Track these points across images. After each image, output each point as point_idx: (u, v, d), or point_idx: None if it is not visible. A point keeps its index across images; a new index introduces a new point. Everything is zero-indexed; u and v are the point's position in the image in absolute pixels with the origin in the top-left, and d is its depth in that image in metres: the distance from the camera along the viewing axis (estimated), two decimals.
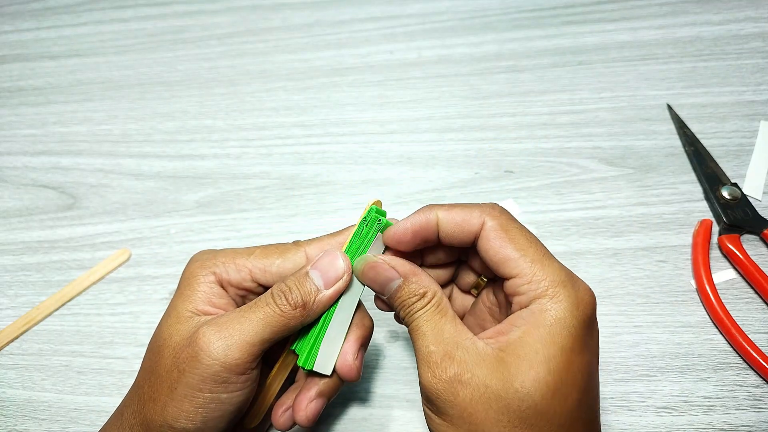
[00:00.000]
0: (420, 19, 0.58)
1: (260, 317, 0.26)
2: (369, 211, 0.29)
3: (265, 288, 0.30)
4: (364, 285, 0.29)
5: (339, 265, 0.28)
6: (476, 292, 0.32)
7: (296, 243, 0.30)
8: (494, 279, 0.30)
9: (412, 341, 0.26)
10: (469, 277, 0.32)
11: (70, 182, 0.49)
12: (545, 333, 0.24)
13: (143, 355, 0.29)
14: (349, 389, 0.37)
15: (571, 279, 0.26)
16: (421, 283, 0.27)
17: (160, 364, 0.27)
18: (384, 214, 0.29)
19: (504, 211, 0.27)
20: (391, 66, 0.54)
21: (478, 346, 0.25)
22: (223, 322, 0.26)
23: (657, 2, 0.56)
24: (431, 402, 0.25)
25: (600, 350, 0.36)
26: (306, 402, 0.29)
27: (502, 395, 0.23)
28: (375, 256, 0.28)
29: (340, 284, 0.28)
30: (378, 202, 0.29)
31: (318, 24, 0.59)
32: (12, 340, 0.41)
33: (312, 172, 0.48)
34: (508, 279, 0.26)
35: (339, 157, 0.48)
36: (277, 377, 0.30)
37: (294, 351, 0.29)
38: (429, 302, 0.26)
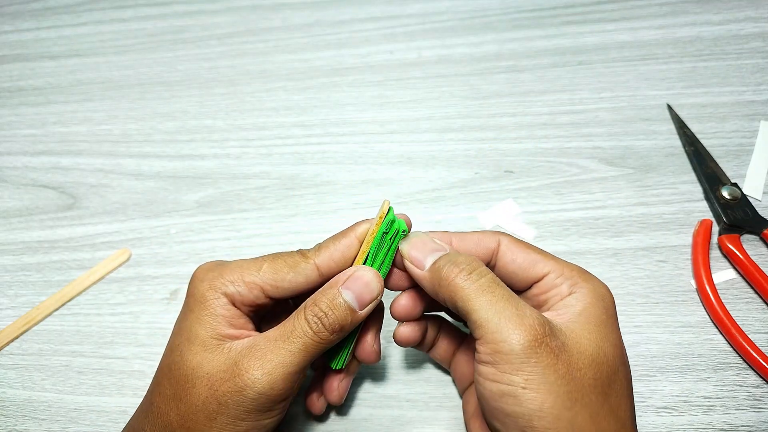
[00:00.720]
0: (420, 19, 0.58)
1: (299, 347, 0.26)
2: (387, 220, 0.28)
3: (278, 300, 0.29)
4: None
5: (374, 288, 0.28)
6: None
7: (302, 253, 0.29)
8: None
9: (472, 309, 0.25)
10: (444, 348, 0.34)
11: (70, 182, 0.49)
12: (601, 306, 0.27)
13: (157, 378, 0.29)
14: (350, 389, 0.37)
15: (591, 274, 0.29)
16: (473, 258, 0.27)
17: (191, 395, 0.26)
18: (393, 214, 0.29)
19: (510, 235, 0.30)
20: (391, 66, 0.54)
21: (556, 320, 0.26)
22: (263, 356, 0.26)
23: (657, 2, 0.56)
24: (522, 366, 0.24)
25: None
26: (336, 383, 0.32)
27: (595, 360, 0.25)
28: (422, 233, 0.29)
29: (373, 305, 0.28)
30: (388, 204, 0.29)
31: (318, 24, 0.59)
32: (12, 340, 0.41)
33: (312, 172, 0.48)
34: (539, 280, 0.28)
35: (339, 157, 0.48)
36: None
37: None
38: (489, 273, 0.27)
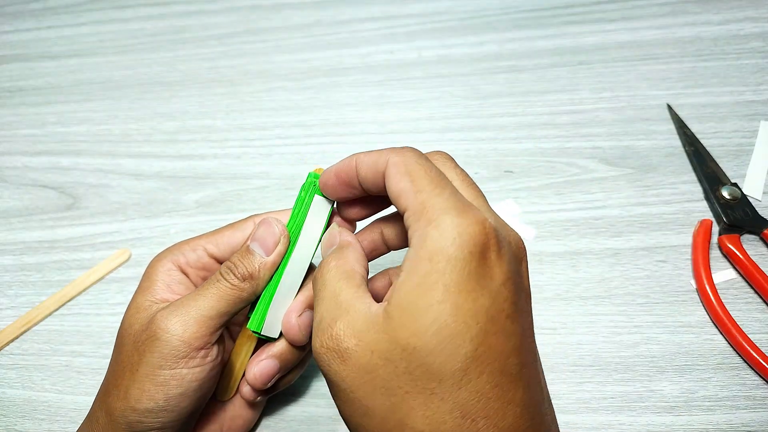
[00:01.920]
0: (420, 19, 0.58)
1: (213, 293, 0.27)
2: (307, 178, 0.29)
3: (221, 261, 0.31)
4: (314, 251, 0.30)
5: (274, 230, 0.28)
6: None
7: (250, 216, 0.31)
8: None
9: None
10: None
11: (70, 182, 0.49)
12: (426, 271, 0.20)
13: None
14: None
15: (465, 206, 0.21)
16: (335, 239, 0.27)
17: (121, 353, 0.28)
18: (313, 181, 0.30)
19: (416, 152, 0.24)
20: (391, 66, 0.54)
21: (372, 309, 0.22)
22: (179, 303, 0.27)
23: (657, 2, 0.56)
24: (324, 373, 0.23)
25: (600, 350, 0.36)
26: (255, 363, 0.30)
27: (389, 357, 0.20)
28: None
29: (279, 248, 0.28)
30: (319, 170, 0.30)
31: (318, 24, 0.59)
32: (12, 340, 0.41)
33: None
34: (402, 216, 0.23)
35: (339, 157, 0.47)
36: (242, 348, 0.31)
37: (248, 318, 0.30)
38: (335, 260, 0.25)
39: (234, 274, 0.28)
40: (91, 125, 0.53)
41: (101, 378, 0.37)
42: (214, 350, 0.28)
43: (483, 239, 0.21)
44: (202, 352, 0.27)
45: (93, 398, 0.37)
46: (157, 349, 0.26)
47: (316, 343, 0.23)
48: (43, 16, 0.64)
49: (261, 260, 0.28)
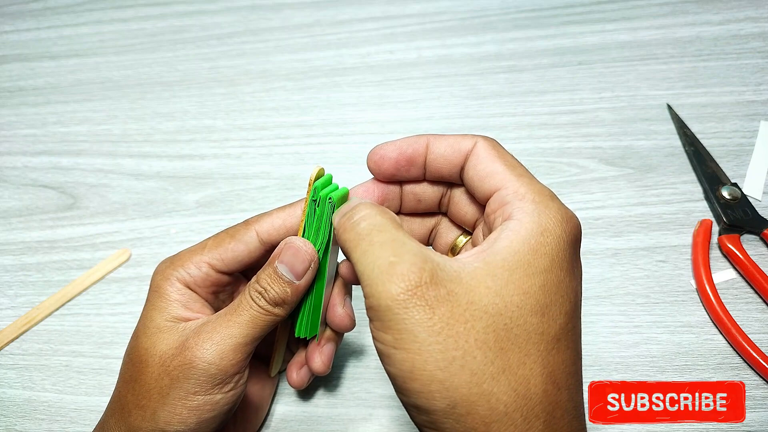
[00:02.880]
0: (420, 19, 0.58)
1: (247, 319, 0.27)
2: (314, 190, 0.28)
3: (228, 274, 0.30)
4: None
5: (304, 257, 0.27)
6: (453, 255, 0.29)
7: (245, 222, 0.30)
8: (472, 233, 0.28)
9: (355, 258, 0.23)
10: (448, 237, 0.30)
11: (70, 182, 0.49)
12: (536, 243, 0.21)
13: (120, 367, 0.29)
14: (348, 390, 0.37)
15: (557, 198, 0.24)
16: (373, 203, 0.25)
17: (145, 374, 0.27)
18: (329, 181, 0.28)
19: (495, 141, 0.26)
20: (391, 66, 0.54)
21: (455, 263, 0.22)
22: (212, 329, 0.27)
23: (657, 2, 0.56)
24: (391, 324, 0.21)
25: (600, 350, 0.36)
26: (316, 351, 0.31)
27: (490, 310, 0.21)
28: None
29: (309, 273, 0.28)
30: (320, 171, 0.28)
31: (318, 24, 0.59)
32: (12, 340, 0.41)
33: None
34: (491, 195, 0.24)
35: (339, 157, 0.48)
36: (283, 334, 0.32)
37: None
38: (378, 214, 0.24)
39: (266, 299, 0.27)
40: (91, 125, 0.53)
41: (101, 378, 0.37)
42: (246, 372, 0.28)
43: (579, 229, 0.23)
44: (236, 377, 0.27)
45: (93, 398, 0.38)
46: (193, 376, 0.26)
47: (396, 290, 0.20)
48: (43, 16, 0.64)
49: (292, 285, 0.27)
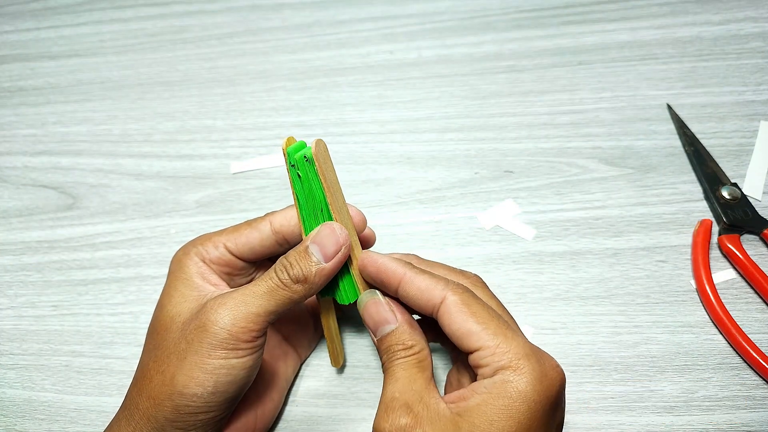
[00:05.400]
0: (420, 19, 0.58)
1: (264, 290, 0.28)
2: (288, 155, 0.28)
3: (241, 259, 0.32)
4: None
5: (337, 237, 0.28)
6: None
7: (265, 215, 0.32)
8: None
9: (383, 384, 0.27)
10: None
11: (70, 182, 0.49)
12: (504, 405, 0.24)
13: (145, 339, 0.31)
14: (348, 390, 0.37)
15: (536, 353, 0.25)
16: (413, 335, 0.28)
17: (166, 339, 0.28)
18: (302, 145, 0.29)
19: (467, 290, 0.27)
20: (391, 66, 0.54)
21: (440, 407, 0.25)
22: (229, 296, 0.28)
23: (657, 2, 0.56)
24: None
25: (600, 350, 0.36)
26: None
27: None
28: (381, 295, 0.29)
29: (339, 256, 0.28)
30: (290, 140, 0.29)
31: (318, 24, 0.59)
32: None
33: None
34: (472, 353, 0.26)
35: (339, 157, 0.48)
36: (328, 320, 0.33)
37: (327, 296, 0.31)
38: (413, 355, 0.27)
39: (288, 274, 0.28)
40: (91, 125, 0.53)
41: (101, 378, 0.37)
42: (261, 341, 0.28)
43: (559, 387, 0.25)
44: (250, 344, 0.28)
45: (93, 398, 0.38)
46: (205, 339, 0.27)
47: (381, 420, 0.25)
48: (43, 16, 0.64)
49: (318, 266, 0.28)
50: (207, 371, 0.27)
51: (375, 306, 0.29)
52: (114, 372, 0.39)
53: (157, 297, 0.41)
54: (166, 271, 0.43)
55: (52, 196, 0.48)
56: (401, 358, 0.27)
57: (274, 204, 0.46)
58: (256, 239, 0.31)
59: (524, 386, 0.24)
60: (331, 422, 0.36)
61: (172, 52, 0.58)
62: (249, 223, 0.32)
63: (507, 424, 0.24)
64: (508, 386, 0.24)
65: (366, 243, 0.33)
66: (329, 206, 0.29)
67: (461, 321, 0.26)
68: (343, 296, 0.31)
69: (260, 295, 0.28)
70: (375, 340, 0.29)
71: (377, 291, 0.29)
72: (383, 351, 0.28)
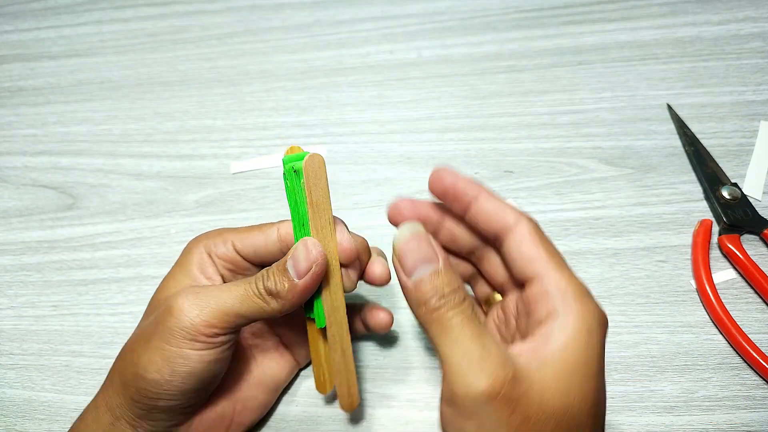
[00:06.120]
0: (420, 19, 0.58)
1: (239, 293, 0.28)
2: (284, 164, 0.28)
3: (245, 259, 0.32)
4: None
5: (308, 255, 0.27)
6: (487, 308, 0.31)
7: (279, 221, 0.32)
8: (504, 294, 0.29)
9: (442, 342, 0.24)
10: (481, 290, 0.31)
11: (70, 182, 0.49)
12: (585, 344, 0.23)
13: None
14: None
15: (590, 295, 0.25)
16: (457, 278, 0.25)
17: (146, 320, 0.30)
18: (301, 156, 0.28)
19: (537, 223, 0.27)
20: (391, 66, 0.54)
21: (522, 359, 0.23)
22: (205, 288, 0.28)
23: (657, 2, 0.56)
24: (475, 414, 0.23)
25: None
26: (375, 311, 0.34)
27: (558, 413, 0.22)
28: (421, 227, 0.26)
29: (312, 275, 0.27)
30: (292, 148, 0.28)
31: (318, 24, 0.59)
32: None
33: None
34: (530, 280, 0.25)
35: (339, 157, 0.48)
36: (317, 342, 0.32)
37: (311, 318, 0.30)
38: (466, 300, 0.25)
39: (263, 284, 0.28)
40: (91, 125, 0.53)
41: (101, 378, 0.37)
42: (224, 340, 0.28)
43: (607, 326, 0.25)
44: (210, 339, 0.27)
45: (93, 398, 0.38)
46: (167, 323, 0.27)
47: (485, 384, 0.22)
48: (43, 16, 0.64)
49: (291, 282, 0.27)
50: (164, 357, 0.27)
51: (418, 240, 0.26)
52: None
53: None
54: (166, 271, 0.43)
55: (52, 196, 0.48)
56: (457, 306, 0.24)
57: (274, 204, 0.46)
58: (261, 242, 0.31)
59: (593, 319, 0.24)
60: (331, 422, 0.36)
61: (172, 52, 0.58)
62: (260, 226, 0.32)
63: (593, 366, 0.23)
64: (584, 320, 0.23)
65: (372, 279, 0.31)
66: (309, 222, 0.28)
67: (533, 245, 0.25)
68: (318, 319, 0.29)
69: (233, 296, 0.27)
70: (409, 284, 0.25)
71: (419, 224, 0.27)
72: (424, 295, 0.25)
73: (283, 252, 0.31)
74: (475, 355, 0.23)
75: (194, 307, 0.27)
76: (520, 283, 0.26)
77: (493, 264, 0.29)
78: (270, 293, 0.27)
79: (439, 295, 0.24)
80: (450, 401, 0.23)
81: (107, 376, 0.30)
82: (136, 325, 0.32)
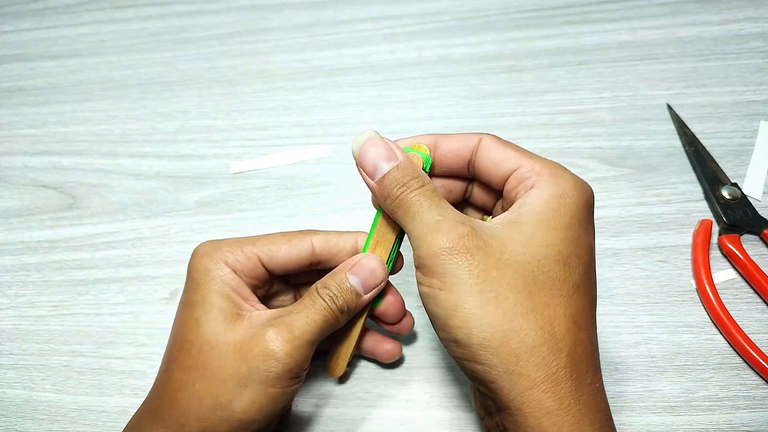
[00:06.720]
0: (420, 19, 0.58)
1: (321, 319, 0.28)
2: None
3: (270, 274, 0.31)
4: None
5: (378, 275, 0.30)
6: None
7: (303, 231, 0.31)
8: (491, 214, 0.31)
9: (407, 221, 0.26)
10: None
11: (70, 182, 0.49)
12: (555, 204, 0.25)
13: (172, 353, 0.29)
14: (348, 390, 0.37)
15: (567, 170, 0.27)
16: (418, 170, 0.27)
17: (220, 362, 0.27)
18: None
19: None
20: (391, 66, 0.54)
21: (488, 223, 0.26)
22: (288, 323, 0.28)
23: (657, 2, 0.56)
24: (437, 269, 0.24)
25: (600, 350, 0.36)
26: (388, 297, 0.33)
27: (519, 259, 0.24)
28: (375, 132, 0.28)
29: (377, 290, 0.30)
30: (420, 147, 0.29)
31: (318, 24, 0.59)
32: None
33: (312, 172, 0.48)
34: (510, 175, 0.27)
35: (339, 157, 0.48)
36: (355, 327, 0.33)
37: None
38: (425, 184, 0.26)
39: (336, 305, 0.29)
40: (91, 125, 0.53)
41: (101, 378, 0.37)
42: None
43: (592, 195, 0.27)
44: (304, 372, 0.29)
45: (93, 398, 0.38)
46: (272, 370, 0.27)
47: (443, 242, 0.24)
48: (43, 16, 0.64)
49: (359, 297, 0.29)
50: (271, 398, 0.27)
51: (374, 144, 0.27)
52: (114, 372, 0.39)
53: (158, 297, 0.42)
54: (166, 271, 0.43)
55: (52, 196, 0.48)
56: (416, 189, 0.26)
57: (274, 204, 0.46)
58: (293, 258, 0.31)
59: (568, 189, 0.25)
60: (331, 422, 0.36)
61: (172, 52, 0.58)
62: (287, 237, 0.31)
63: (562, 220, 0.25)
64: (555, 188, 0.25)
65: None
66: (387, 251, 0.30)
67: (500, 148, 0.27)
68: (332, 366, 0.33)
69: (318, 323, 0.28)
70: (373, 184, 0.27)
71: (373, 130, 0.28)
72: (387, 188, 0.26)
73: (311, 264, 0.31)
74: (433, 221, 0.25)
75: (293, 347, 0.27)
76: (501, 191, 0.28)
77: (478, 195, 0.31)
78: (342, 311, 0.29)
79: (400, 184, 0.26)
80: (418, 266, 0.26)
81: (149, 420, 0.28)
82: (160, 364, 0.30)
